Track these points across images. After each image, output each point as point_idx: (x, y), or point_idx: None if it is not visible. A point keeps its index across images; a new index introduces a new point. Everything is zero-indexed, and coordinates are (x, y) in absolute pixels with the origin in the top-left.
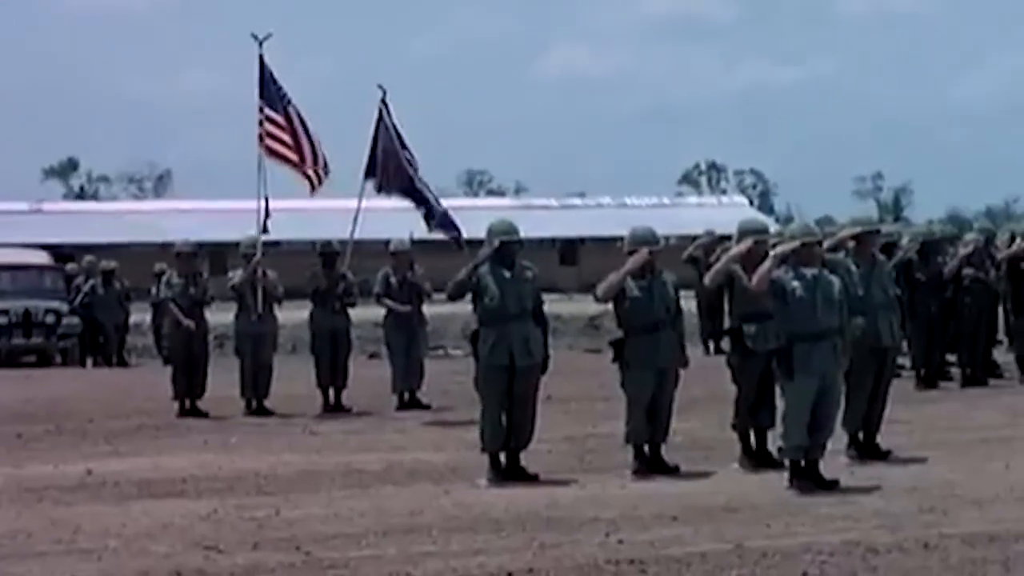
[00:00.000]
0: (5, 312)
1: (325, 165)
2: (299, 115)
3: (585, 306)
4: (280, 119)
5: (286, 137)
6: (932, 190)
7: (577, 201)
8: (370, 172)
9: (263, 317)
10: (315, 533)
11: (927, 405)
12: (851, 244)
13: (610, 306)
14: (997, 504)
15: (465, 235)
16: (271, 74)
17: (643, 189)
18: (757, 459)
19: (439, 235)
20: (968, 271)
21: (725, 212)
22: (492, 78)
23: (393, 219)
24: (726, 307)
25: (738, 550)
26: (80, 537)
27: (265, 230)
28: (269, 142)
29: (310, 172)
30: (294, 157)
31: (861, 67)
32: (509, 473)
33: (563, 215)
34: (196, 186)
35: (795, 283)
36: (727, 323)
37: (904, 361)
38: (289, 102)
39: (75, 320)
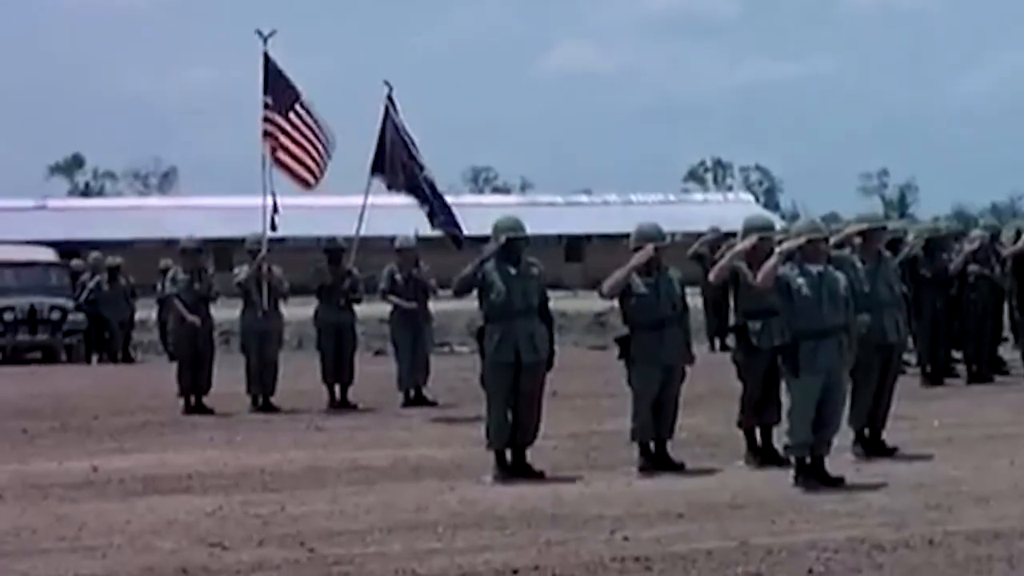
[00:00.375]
0: (11, 309)
1: (324, 157)
2: (308, 110)
3: (591, 303)
4: (286, 124)
5: (291, 146)
6: (938, 187)
7: (583, 198)
8: (376, 168)
9: (269, 313)
10: (320, 530)
11: (933, 402)
12: (857, 241)
13: (616, 303)
14: (1002, 501)
15: (469, 232)
16: (278, 70)
17: (649, 186)
18: (763, 456)
19: (441, 232)
20: (973, 268)
21: (731, 209)
22: (497, 75)
23: (399, 216)
24: (731, 304)
25: (743, 547)
26: (85, 534)
27: (274, 227)
28: (280, 154)
29: (305, 175)
30: (298, 169)
31: (867, 64)
32: (515, 470)
33: (569, 212)
34: (201, 182)
35: (800, 280)
36: (732, 320)
37: (910, 358)
38: (298, 97)
39: (80, 316)
